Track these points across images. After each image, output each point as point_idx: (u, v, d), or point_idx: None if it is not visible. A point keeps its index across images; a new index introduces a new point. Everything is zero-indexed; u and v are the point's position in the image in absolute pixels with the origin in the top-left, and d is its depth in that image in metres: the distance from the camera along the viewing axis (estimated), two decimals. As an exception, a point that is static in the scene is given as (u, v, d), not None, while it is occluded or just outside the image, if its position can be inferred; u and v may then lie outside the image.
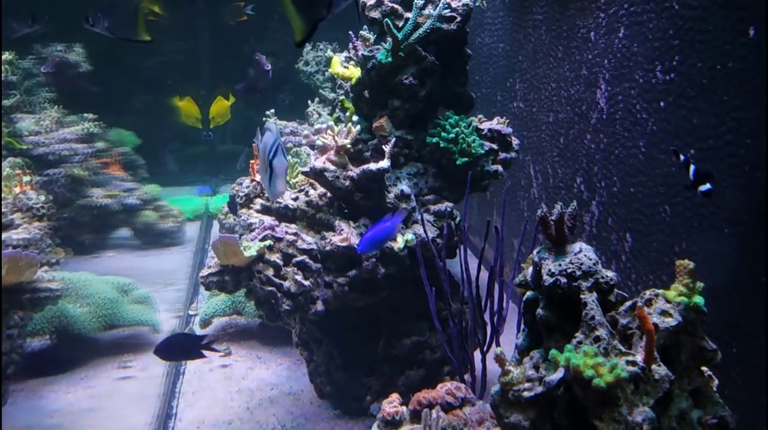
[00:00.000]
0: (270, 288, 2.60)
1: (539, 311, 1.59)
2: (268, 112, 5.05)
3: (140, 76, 8.54)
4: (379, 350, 3.04)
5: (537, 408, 1.55)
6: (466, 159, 2.89)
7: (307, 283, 2.67)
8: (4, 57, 4.41)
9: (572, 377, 1.40)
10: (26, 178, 3.41)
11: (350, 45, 3.03)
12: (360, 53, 2.91)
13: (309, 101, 5.68)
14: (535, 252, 1.61)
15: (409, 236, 2.75)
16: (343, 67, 3.01)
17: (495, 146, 3.13)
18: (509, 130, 3.20)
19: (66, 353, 3.62)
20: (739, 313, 2.17)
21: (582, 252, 1.52)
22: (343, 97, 3.09)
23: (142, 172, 6.58)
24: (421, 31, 2.80)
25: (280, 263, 2.69)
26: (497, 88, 4.85)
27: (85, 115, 5.15)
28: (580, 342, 1.45)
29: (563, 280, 1.50)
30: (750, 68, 2.07)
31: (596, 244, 3.25)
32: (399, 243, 2.73)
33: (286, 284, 2.66)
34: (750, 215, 2.09)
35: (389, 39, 2.78)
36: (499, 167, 3.09)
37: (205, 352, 2.74)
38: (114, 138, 6.95)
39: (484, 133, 3.12)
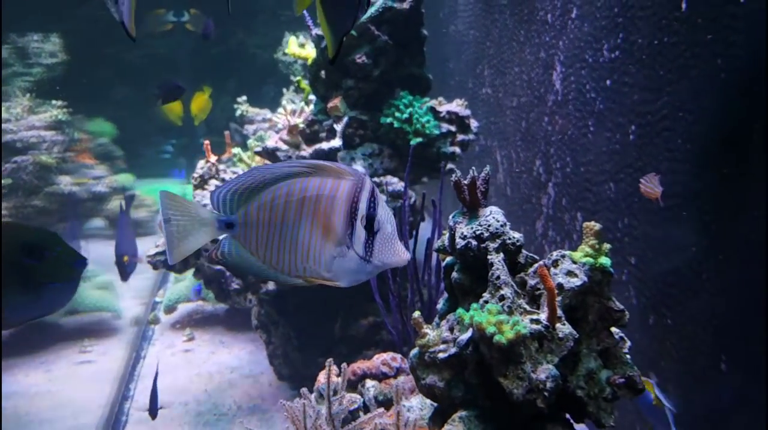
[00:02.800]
0: (217, 267, 2.60)
1: (454, 274, 1.60)
2: (239, 99, 5.05)
3: (122, 69, 8.52)
4: (336, 331, 3.05)
5: (451, 369, 1.56)
6: (420, 139, 2.90)
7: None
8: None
9: (478, 335, 1.41)
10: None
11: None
12: (314, 32, 2.92)
13: (284, 90, 5.69)
14: (450, 217, 1.62)
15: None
16: (299, 46, 3.01)
17: (453, 128, 3.13)
18: (467, 112, 3.21)
19: (27, 338, 3.63)
20: (672, 285, 2.18)
21: (491, 215, 1.53)
22: (299, 77, 3.09)
23: (120, 163, 6.60)
24: (372, 9, 2.81)
25: (229, 241, 2.70)
26: (468, 76, 4.86)
27: (54, 101, 5.14)
28: (486, 301, 1.46)
29: (474, 242, 1.52)
30: (682, 42, 2.08)
31: (552, 224, 3.26)
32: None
33: (235, 262, 2.67)
34: (683, 187, 2.11)
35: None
36: (457, 149, 3.10)
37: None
38: (93, 128, 6.96)
39: (442, 115, 3.12)
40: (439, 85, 5.80)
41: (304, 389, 1.62)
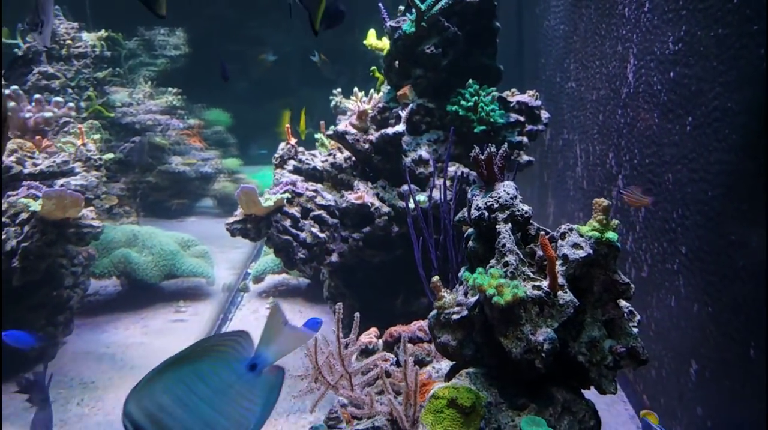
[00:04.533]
0: (286, 237, 2.86)
1: (470, 243, 1.74)
2: (335, 91, 5.34)
3: (244, 65, 9.06)
4: (397, 306, 3.23)
5: (463, 329, 1.71)
6: (484, 127, 3.02)
7: (322, 235, 2.91)
8: (98, 34, 4.95)
9: (483, 298, 1.56)
10: (97, 136, 3.87)
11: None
12: (388, 24, 3.11)
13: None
14: (470, 190, 1.76)
15: (422, 197, 2.92)
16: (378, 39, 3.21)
17: (522, 118, 3.23)
18: (537, 103, 3.29)
19: (131, 297, 4.09)
20: (714, 273, 2.20)
21: (503, 188, 1.66)
22: (374, 68, 3.29)
23: (232, 150, 7.15)
24: (443, 2, 2.96)
25: (298, 215, 2.95)
26: (557, 70, 4.89)
27: (170, 89, 5.65)
28: (491, 267, 1.59)
29: (486, 213, 1.65)
30: (733, 34, 2.09)
31: (619, 216, 3.28)
32: (411, 204, 2.91)
33: (303, 235, 2.92)
34: (728, 178, 2.12)
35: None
36: (524, 138, 3.19)
37: None
38: (210, 117, 7.56)
39: (512, 105, 3.23)
40: (530, 80, 5.85)
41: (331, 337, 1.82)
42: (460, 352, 1.72)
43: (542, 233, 1.66)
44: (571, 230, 1.61)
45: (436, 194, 2.92)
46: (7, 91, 3.41)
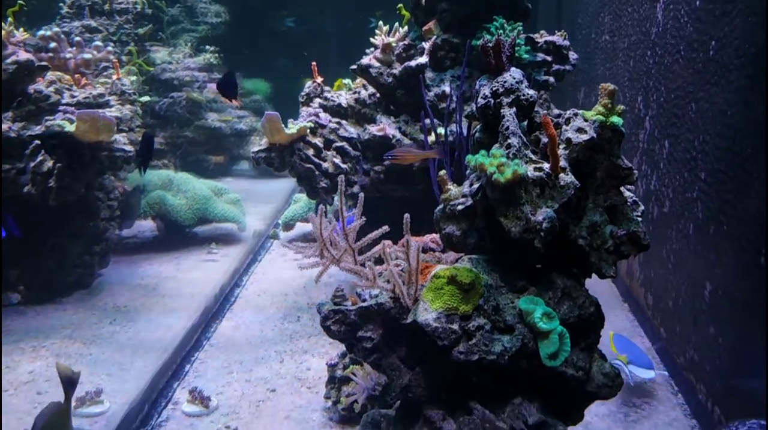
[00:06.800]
0: (309, 165, 2.93)
1: (476, 134, 1.78)
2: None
3: (284, 41, 9.17)
4: (420, 244, 3.28)
5: (467, 219, 1.74)
6: (508, 63, 3.03)
7: (344, 166, 2.97)
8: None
9: (485, 180, 1.59)
10: (133, 78, 4.01)
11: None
12: (416, -39, 3.13)
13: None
14: (477, 81, 1.79)
15: (443, 131, 2.95)
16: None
17: (549, 58, 3.21)
18: (566, 42, 3.26)
19: (166, 241, 4.23)
20: (731, 190, 2.18)
21: (509, 73, 1.68)
22: (401, 5, 3.32)
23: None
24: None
25: (321, 145, 3.02)
26: (592, 26, 4.85)
27: (208, 47, 5.79)
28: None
29: (492, 100, 1.68)
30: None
31: (645, 158, 3.26)
32: (432, 137, 2.94)
33: (325, 164, 2.98)
34: (756, 92, 2.10)
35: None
36: (551, 78, 3.18)
37: None
38: (250, 86, 7.69)
39: (539, 45, 3.21)
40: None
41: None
42: (463, 241, 1.76)
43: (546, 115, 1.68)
44: (576, 114, 1.63)
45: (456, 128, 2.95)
46: (49, 32, 3.55)
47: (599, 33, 4.60)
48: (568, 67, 3.26)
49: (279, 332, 3.06)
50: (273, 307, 3.34)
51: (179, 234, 4.25)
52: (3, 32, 2.91)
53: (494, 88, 1.67)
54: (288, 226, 4.44)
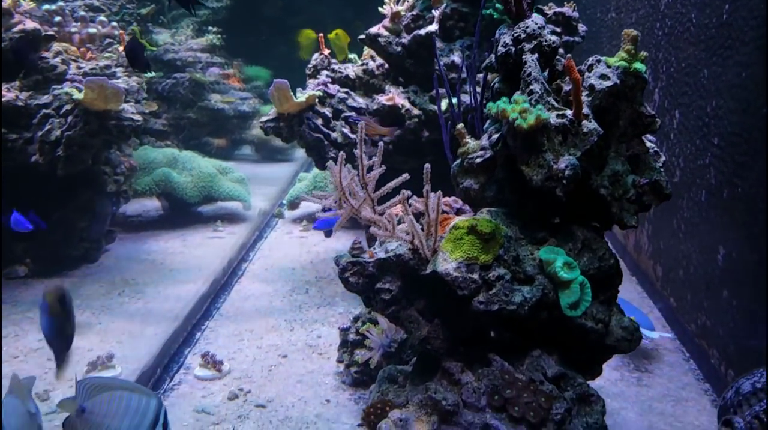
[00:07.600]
0: (318, 135, 2.91)
1: (496, 85, 1.76)
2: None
3: (283, 30, 9.12)
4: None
5: (485, 172, 1.73)
6: (518, 33, 3.01)
7: (353, 136, 2.96)
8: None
9: (507, 126, 1.58)
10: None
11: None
12: (425, -67, 3.11)
13: None
14: (498, 30, 1.77)
15: (453, 100, 2.93)
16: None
17: (558, 30, 3.19)
18: (575, 14, 3.24)
19: (172, 218, 4.22)
20: (745, 153, 2.17)
21: (531, 19, 1.67)
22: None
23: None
24: None
25: (330, 115, 3.00)
26: (597, 5, 4.84)
27: (210, 28, 5.75)
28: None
29: (513, 48, 1.67)
30: None
31: (653, 130, 3.25)
32: (445, 104, 2.92)
33: (334, 134, 2.97)
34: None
35: None
36: (560, 50, 3.16)
37: None
38: (251, 72, 7.66)
39: (549, 16, 3.19)
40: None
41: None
42: (482, 194, 1.75)
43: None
44: (598, 61, 1.62)
45: (467, 99, 2.93)
46: (54, 6, 3.53)
47: (604, 11, 4.58)
48: (577, 39, 3.23)
49: (288, 302, 3.05)
50: (281, 280, 3.33)
51: (184, 212, 4.23)
52: (9, 1, 2.88)
53: (516, 34, 1.66)
54: (293, 204, 4.43)
